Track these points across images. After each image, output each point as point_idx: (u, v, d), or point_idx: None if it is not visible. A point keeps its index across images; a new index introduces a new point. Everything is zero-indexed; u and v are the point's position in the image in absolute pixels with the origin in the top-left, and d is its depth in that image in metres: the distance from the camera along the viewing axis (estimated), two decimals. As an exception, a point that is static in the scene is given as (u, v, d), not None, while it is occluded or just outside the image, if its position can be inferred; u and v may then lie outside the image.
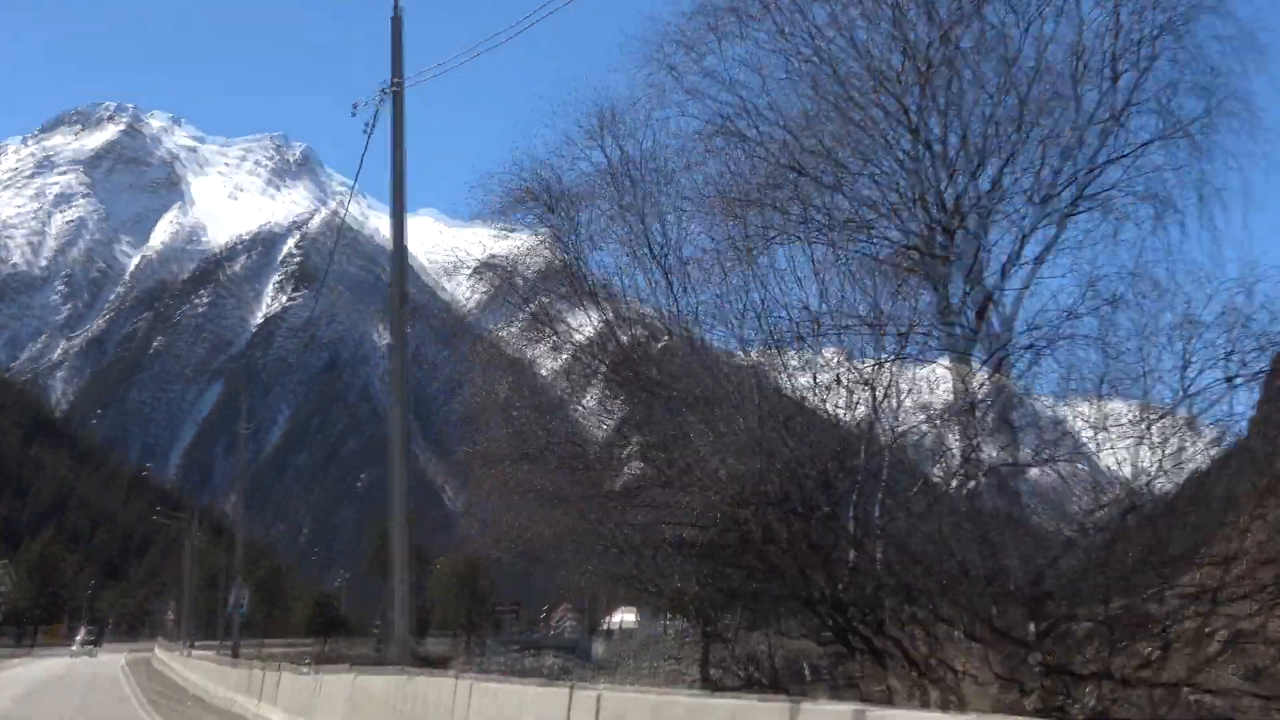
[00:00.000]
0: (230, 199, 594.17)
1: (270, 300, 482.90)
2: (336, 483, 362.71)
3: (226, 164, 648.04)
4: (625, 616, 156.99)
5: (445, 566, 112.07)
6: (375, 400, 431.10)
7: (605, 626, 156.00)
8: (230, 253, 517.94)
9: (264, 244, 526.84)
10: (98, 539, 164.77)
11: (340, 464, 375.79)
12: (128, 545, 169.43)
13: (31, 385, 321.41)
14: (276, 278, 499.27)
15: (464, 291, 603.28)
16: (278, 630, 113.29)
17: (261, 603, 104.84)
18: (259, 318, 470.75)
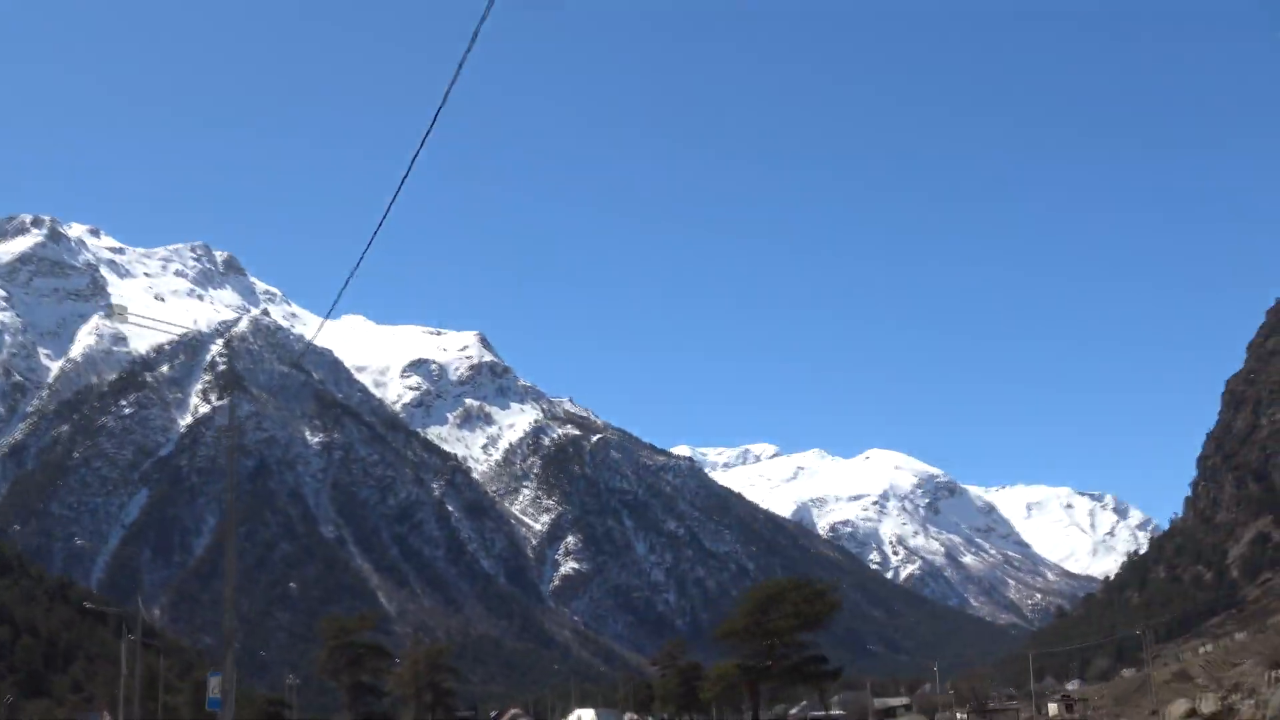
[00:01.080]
0: (155, 303, 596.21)
1: (196, 405, 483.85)
2: (268, 588, 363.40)
3: (149, 271, 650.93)
4: (583, 714, 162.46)
5: (408, 666, 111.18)
6: (307, 502, 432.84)
7: None
8: (155, 359, 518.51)
9: (189, 349, 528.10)
10: (19, 651, 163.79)
11: (272, 568, 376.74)
12: (51, 656, 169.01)
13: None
14: (202, 383, 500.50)
15: (394, 391, 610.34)
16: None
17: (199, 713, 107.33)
18: (185, 423, 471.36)
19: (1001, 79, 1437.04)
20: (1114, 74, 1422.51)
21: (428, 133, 20.87)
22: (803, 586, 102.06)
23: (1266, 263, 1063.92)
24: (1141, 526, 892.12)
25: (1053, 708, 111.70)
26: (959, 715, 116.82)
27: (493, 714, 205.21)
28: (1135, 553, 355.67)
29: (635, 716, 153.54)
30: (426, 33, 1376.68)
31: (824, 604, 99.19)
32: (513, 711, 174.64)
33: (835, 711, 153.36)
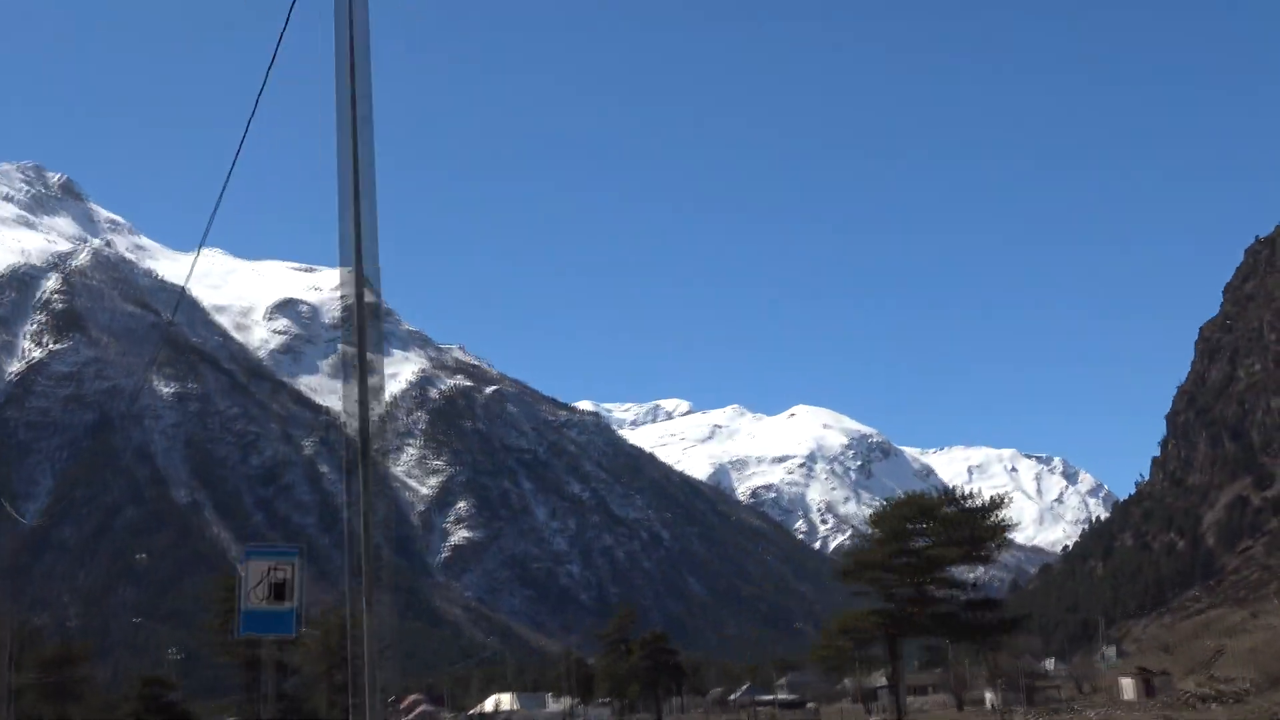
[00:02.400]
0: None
1: (28, 349, 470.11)
2: (111, 560, 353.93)
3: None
4: (501, 699, 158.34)
5: (319, 638, 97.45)
6: (157, 462, 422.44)
7: (477, 712, 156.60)
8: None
9: (18, 284, 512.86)
10: None
11: (115, 537, 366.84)
12: None
13: None
14: (35, 322, 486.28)
15: (259, 336, 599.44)
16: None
17: (48, 699, 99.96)
18: (14, 370, 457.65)
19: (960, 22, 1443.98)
20: (1079, 13, 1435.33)
21: (283, 30, 17.96)
22: (959, 501, 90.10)
23: (1244, 200, 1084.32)
24: (1093, 493, 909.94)
25: (1127, 684, 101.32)
26: (989, 696, 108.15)
27: (390, 699, 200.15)
28: (1096, 519, 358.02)
29: (573, 702, 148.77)
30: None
31: (989, 527, 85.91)
32: (413, 697, 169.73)
33: (785, 696, 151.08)
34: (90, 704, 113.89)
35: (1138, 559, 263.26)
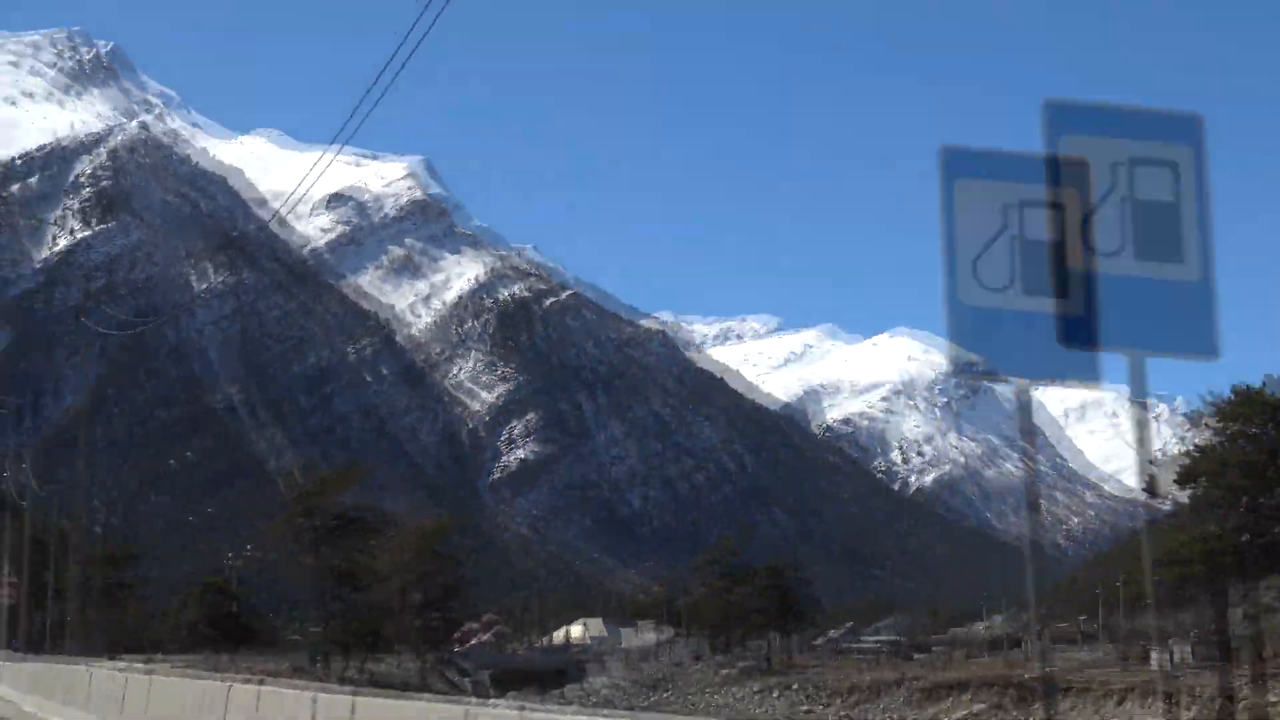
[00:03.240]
0: (10, 106, 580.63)
1: (61, 234, 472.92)
2: (147, 464, 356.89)
3: (6, 63, 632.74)
4: (589, 623, 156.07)
5: (394, 550, 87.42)
6: (196, 360, 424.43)
7: (549, 643, 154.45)
8: (9, 173, 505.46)
9: (55, 163, 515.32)
10: None
11: (151, 440, 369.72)
12: None
13: None
14: (70, 206, 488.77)
15: (309, 229, 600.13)
16: (129, 644, 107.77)
17: (107, 605, 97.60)
18: (47, 254, 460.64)
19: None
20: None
21: None
22: None
23: None
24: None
25: None
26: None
27: (465, 625, 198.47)
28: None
29: (672, 632, 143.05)
30: None
31: None
32: (488, 616, 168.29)
33: (884, 637, 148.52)
34: (134, 612, 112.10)
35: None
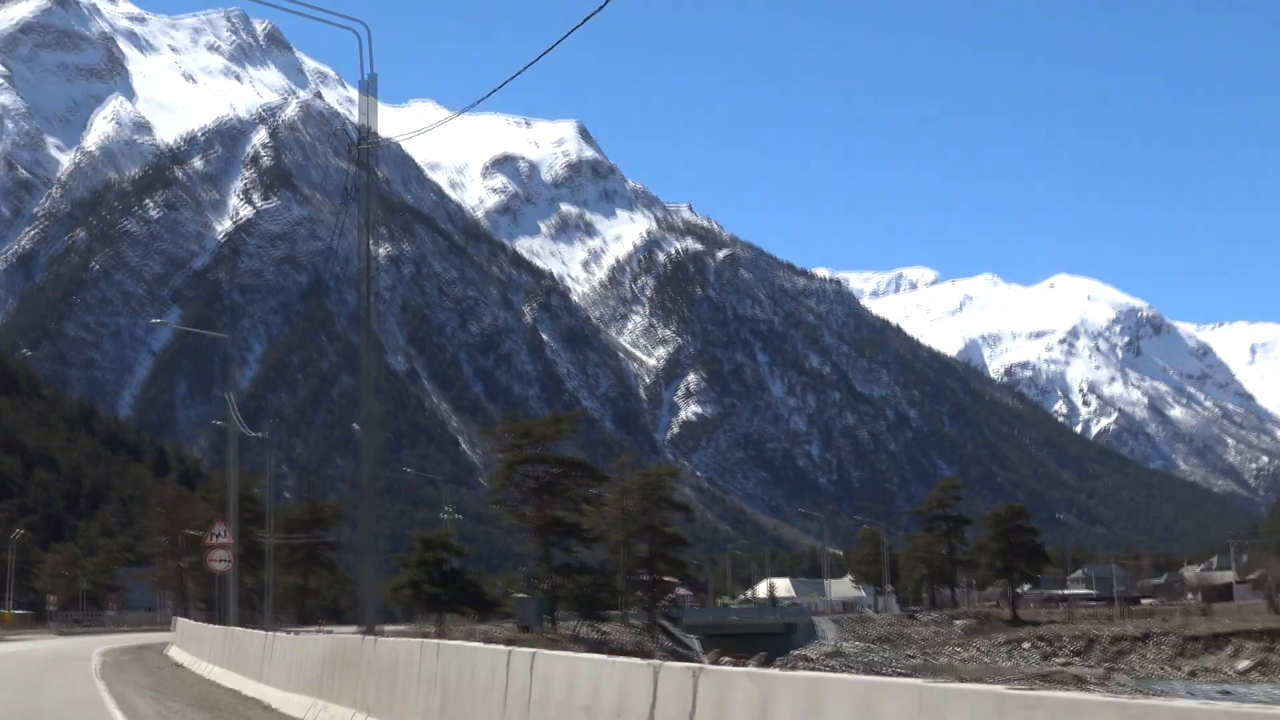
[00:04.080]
0: (184, 84, 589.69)
1: (237, 207, 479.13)
2: (326, 430, 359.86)
3: (175, 45, 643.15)
4: (776, 583, 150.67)
5: (615, 499, 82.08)
6: (373, 327, 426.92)
7: (752, 598, 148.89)
8: (185, 150, 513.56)
9: (226, 139, 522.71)
10: (34, 487, 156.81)
11: (330, 406, 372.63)
12: (74, 496, 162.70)
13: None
14: (243, 180, 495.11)
15: (475, 194, 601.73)
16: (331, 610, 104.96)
17: (297, 565, 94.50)
18: (223, 228, 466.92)
19: None
20: None
21: None
22: None
23: None
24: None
25: None
26: None
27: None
28: None
29: (884, 589, 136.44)
30: None
31: None
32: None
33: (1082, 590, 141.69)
34: (337, 573, 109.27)
35: None
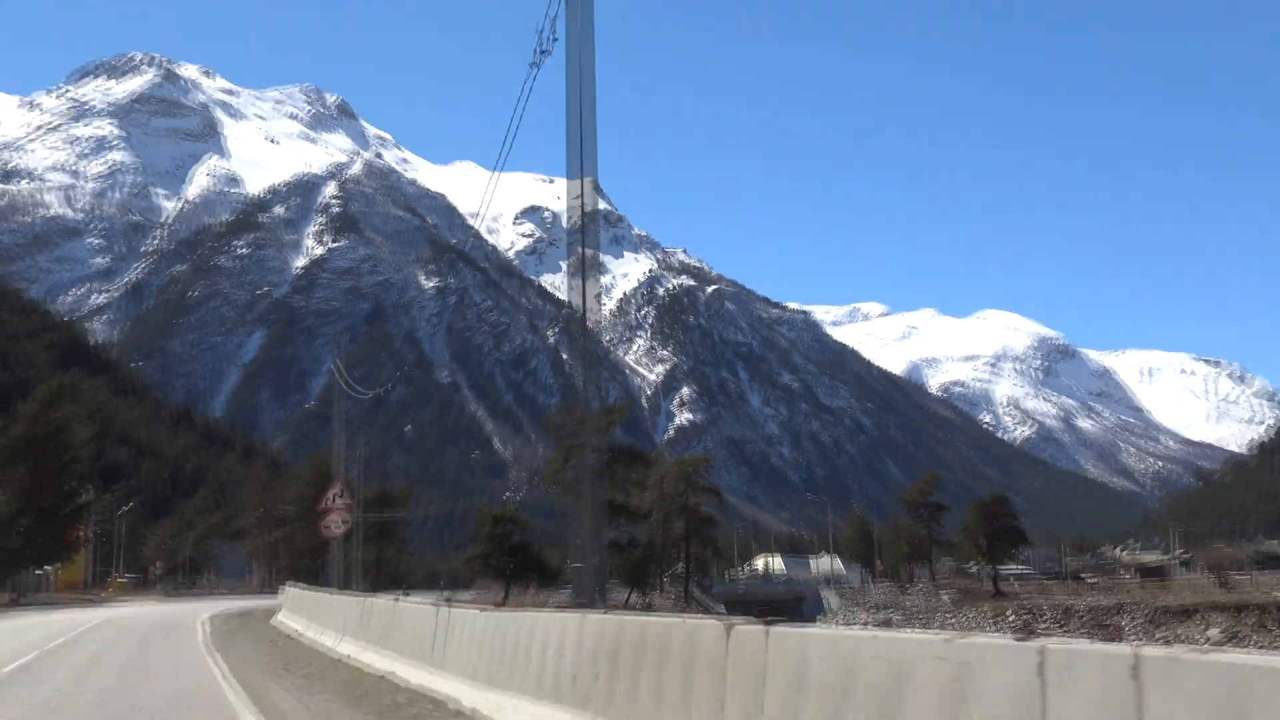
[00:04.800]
0: (268, 146, 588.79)
1: (311, 247, 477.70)
2: (384, 431, 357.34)
3: (261, 113, 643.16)
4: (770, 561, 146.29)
5: (654, 482, 75.57)
6: (422, 346, 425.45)
7: (752, 573, 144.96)
8: (268, 200, 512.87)
9: (302, 191, 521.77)
10: (144, 473, 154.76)
11: (387, 412, 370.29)
12: (177, 480, 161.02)
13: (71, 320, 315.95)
14: (317, 225, 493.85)
15: (507, 238, 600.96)
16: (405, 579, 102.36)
17: (371, 540, 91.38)
18: (300, 264, 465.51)
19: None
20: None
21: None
22: None
23: None
24: (1264, 395, 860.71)
25: None
26: None
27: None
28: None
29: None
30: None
31: None
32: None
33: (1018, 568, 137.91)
34: (403, 546, 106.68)
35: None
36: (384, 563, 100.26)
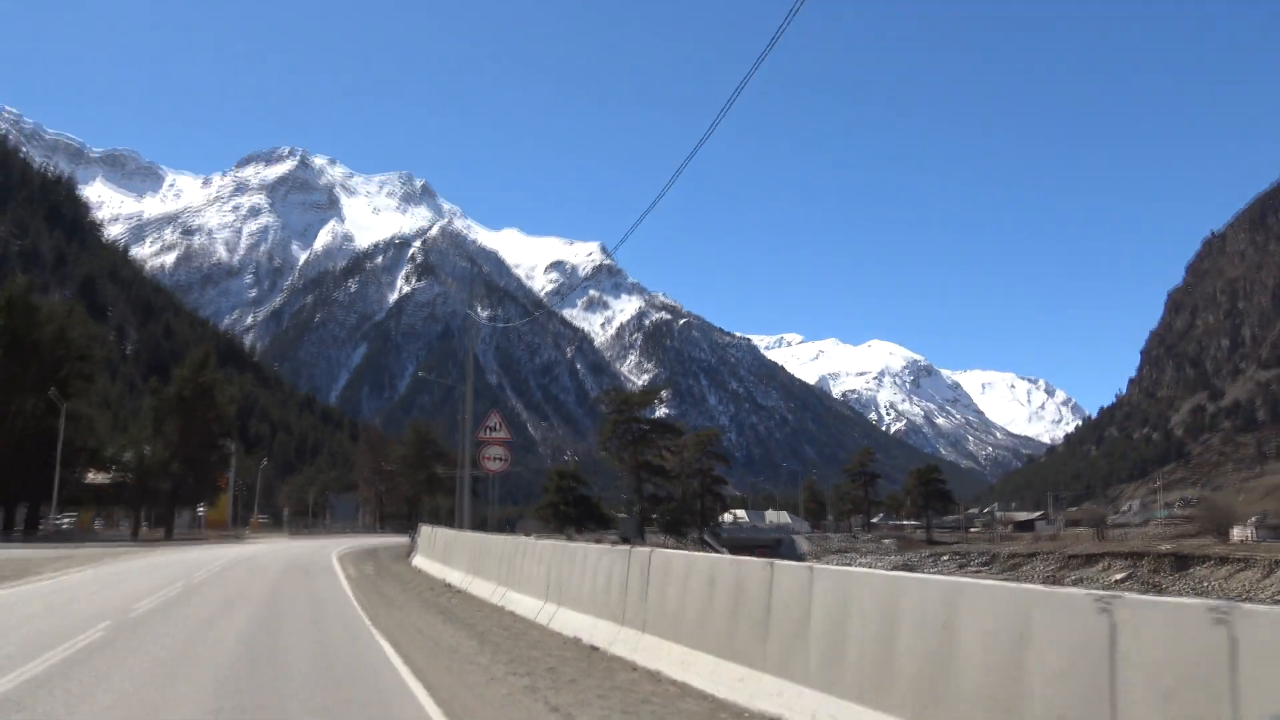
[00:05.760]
0: (372, 215, 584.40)
1: (401, 286, 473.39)
2: (449, 418, 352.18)
3: (368, 191, 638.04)
4: (736, 514, 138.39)
5: (691, 439, 73.49)
6: (477, 358, 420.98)
7: (730, 523, 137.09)
8: (372, 252, 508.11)
9: (396, 247, 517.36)
10: (276, 444, 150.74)
11: (452, 405, 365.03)
12: (301, 449, 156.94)
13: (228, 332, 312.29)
14: (405, 270, 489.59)
15: (539, 283, 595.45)
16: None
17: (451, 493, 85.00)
18: (393, 299, 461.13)
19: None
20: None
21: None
22: None
23: (1200, 202, 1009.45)
24: (1066, 404, 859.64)
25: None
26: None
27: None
28: (1086, 418, 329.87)
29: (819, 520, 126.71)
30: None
31: None
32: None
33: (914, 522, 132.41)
34: (475, 497, 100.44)
35: (1122, 445, 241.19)
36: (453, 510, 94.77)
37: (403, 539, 42.49)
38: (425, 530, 29.64)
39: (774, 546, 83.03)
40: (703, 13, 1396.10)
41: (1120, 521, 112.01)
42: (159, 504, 61.11)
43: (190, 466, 58.25)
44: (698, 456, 71.26)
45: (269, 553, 35.89)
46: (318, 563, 28.25)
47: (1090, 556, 61.67)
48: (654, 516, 65.41)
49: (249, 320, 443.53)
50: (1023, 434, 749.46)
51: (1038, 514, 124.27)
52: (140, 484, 56.19)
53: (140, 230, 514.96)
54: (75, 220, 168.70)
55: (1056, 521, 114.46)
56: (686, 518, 67.66)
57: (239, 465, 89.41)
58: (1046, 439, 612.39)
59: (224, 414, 61.85)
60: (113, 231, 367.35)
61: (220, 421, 61.35)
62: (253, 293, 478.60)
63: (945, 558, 77.26)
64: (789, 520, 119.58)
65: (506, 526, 77.43)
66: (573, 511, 61.65)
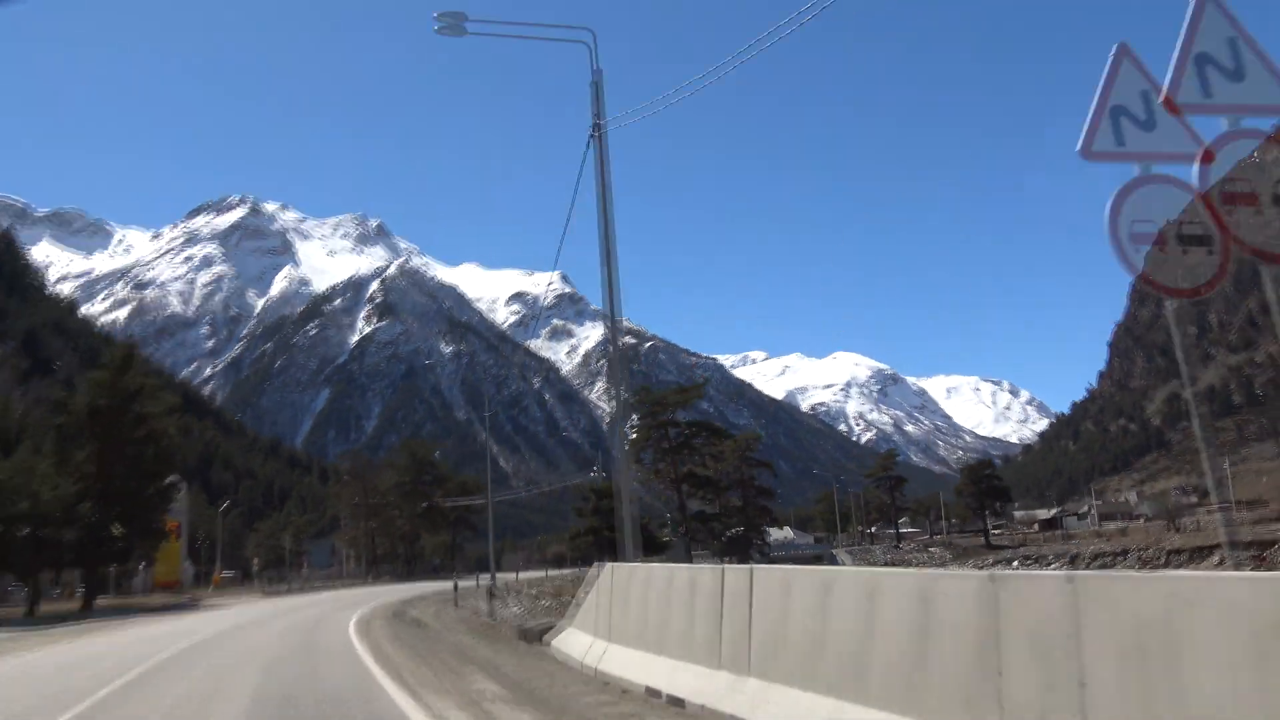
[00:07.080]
0: (328, 257, 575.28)
1: (362, 327, 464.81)
2: (415, 459, 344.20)
3: (323, 235, 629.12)
4: (785, 531, 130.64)
5: (731, 445, 67.08)
6: (444, 394, 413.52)
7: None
8: (330, 295, 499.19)
9: (354, 288, 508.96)
10: (241, 490, 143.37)
11: (423, 440, 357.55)
12: (268, 496, 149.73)
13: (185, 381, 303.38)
14: (365, 311, 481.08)
15: (502, 315, 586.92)
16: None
17: (454, 525, 74.73)
18: (354, 340, 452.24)
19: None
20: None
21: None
22: None
23: None
24: (1031, 403, 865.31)
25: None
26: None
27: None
28: (1059, 415, 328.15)
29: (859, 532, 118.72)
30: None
31: None
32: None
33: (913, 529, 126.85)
34: (473, 534, 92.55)
35: (1100, 438, 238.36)
36: (456, 547, 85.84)
37: (429, 587, 31.76)
38: (607, 572, 12.62)
39: (818, 561, 77.13)
40: (645, 33, 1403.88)
41: (1138, 513, 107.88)
42: (69, 562, 41.56)
43: (113, 507, 40.25)
44: (736, 465, 63.90)
45: (227, 634, 20.36)
46: (341, 679, 11.47)
47: (1200, 549, 55.24)
48: (700, 537, 58.26)
49: (208, 371, 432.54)
50: (991, 435, 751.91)
51: (1056, 510, 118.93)
52: (33, 536, 36.28)
53: (91, 287, 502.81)
54: (14, 273, 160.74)
55: (1088, 516, 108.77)
56: (750, 535, 60.44)
57: (198, 515, 79.98)
58: (1015, 439, 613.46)
59: (159, 431, 42.73)
60: (63, 290, 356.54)
61: (154, 442, 42.53)
62: (210, 343, 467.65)
63: (1016, 564, 69.66)
64: (793, 535, 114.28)
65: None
66: (612, 536, 54.79)
